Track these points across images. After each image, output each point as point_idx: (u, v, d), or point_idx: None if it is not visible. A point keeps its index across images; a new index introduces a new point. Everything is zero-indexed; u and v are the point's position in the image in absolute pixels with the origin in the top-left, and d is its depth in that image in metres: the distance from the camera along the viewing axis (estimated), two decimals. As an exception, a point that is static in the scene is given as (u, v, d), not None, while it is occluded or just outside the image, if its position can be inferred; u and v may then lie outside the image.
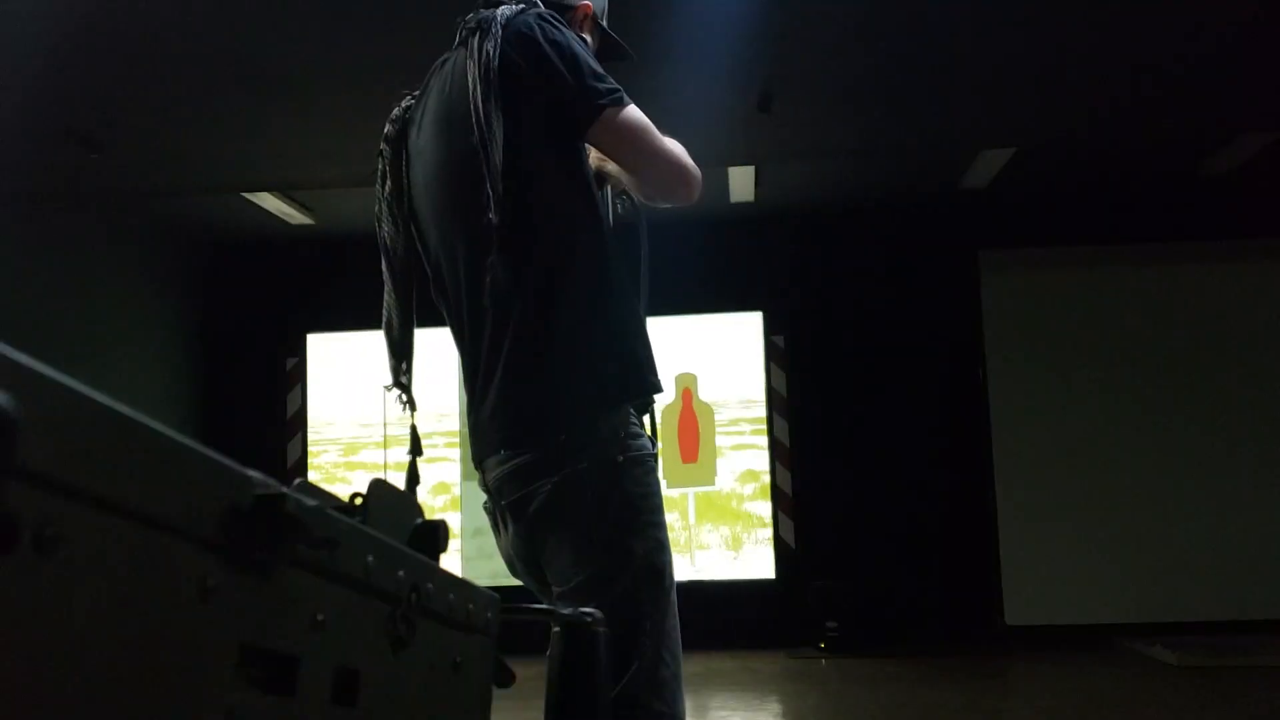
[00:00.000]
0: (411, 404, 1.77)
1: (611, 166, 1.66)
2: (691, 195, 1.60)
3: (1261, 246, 6.28)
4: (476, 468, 1.66)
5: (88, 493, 0.41)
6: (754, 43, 3.88)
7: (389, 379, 1.77)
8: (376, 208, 1.77)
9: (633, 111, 1.54)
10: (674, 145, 1.58)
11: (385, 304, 1.77)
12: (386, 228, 1.75)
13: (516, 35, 1.54)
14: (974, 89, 4.44)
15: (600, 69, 1.56)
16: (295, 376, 6.88)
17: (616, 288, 1.62)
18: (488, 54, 1.55)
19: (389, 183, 1.76)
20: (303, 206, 6.14)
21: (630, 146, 1.55)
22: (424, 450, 1.77)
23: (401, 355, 1.76)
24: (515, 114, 1.53)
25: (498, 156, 1.52)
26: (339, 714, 0.59)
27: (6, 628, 0.38)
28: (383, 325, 1.77)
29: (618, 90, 1.54)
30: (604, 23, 1.84)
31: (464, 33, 1.65)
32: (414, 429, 1.75)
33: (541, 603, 1.62)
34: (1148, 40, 3.98)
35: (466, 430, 1.71)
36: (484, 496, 1.68)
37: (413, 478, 1.73)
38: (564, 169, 1.58)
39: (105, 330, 5.95)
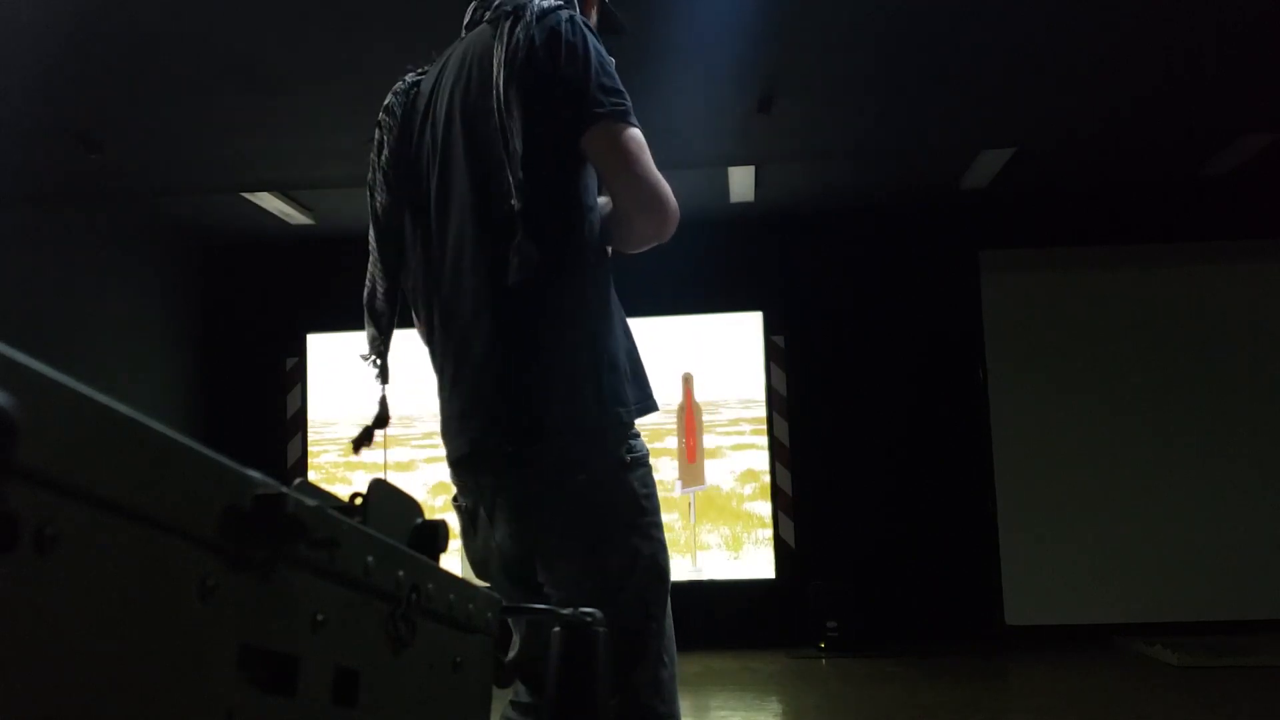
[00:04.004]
0: (383, 374, 1.73)
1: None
2: (666, 225, 1.55)
3: (1261, 247, 6.28)
4: (454, 465, 1.62)
5: (88, 493, 0.41)
6: (754, 43, 3.88)
7: (366, 350, 1.74)
8: (370, 176, 1.74)
9: (632, 130, 1.52)
10: (662, 179, 1.55)
11: (369, 274, 1.74)
12: (380, 198, 1.72)
13: (547, 31, 1.53)
14: (974, 89, 4.44)
15: (615, 80, 1.54)
16: (295, 376, 6.88)
17: (614, 299, 1.61)
18: (518, 41, 1.53)
19: (386, 152, 1.73)
20: (303, 206, 6.14)
21: (621, 158, 1.51)
22: (390, 422, 1.72)
23: (381, 327, 1.73)
24: (539, 111, 1.52)
25: (517, 143, 1.50)
26: (339, 714, 0.59)
27: (6, 628, 0.38)
28: (365, 295, 1.74)
29: (624, 104, 1.52)
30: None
31: (490, 14, 1.63)
32: (384, 399, 1.72)
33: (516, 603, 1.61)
34: (1148, 41, 3.98)
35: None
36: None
37: (364, 439, 1.68)
38: (579, 175, 1.56)
39: (105, 330, 5.95)
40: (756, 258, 6.66)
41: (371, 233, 1.74)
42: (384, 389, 1.72)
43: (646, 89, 4.20)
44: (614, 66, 1.58)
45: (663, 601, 1.54)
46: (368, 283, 1.74)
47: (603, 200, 1.63)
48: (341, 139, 4.63)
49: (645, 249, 1.63)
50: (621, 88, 1.54)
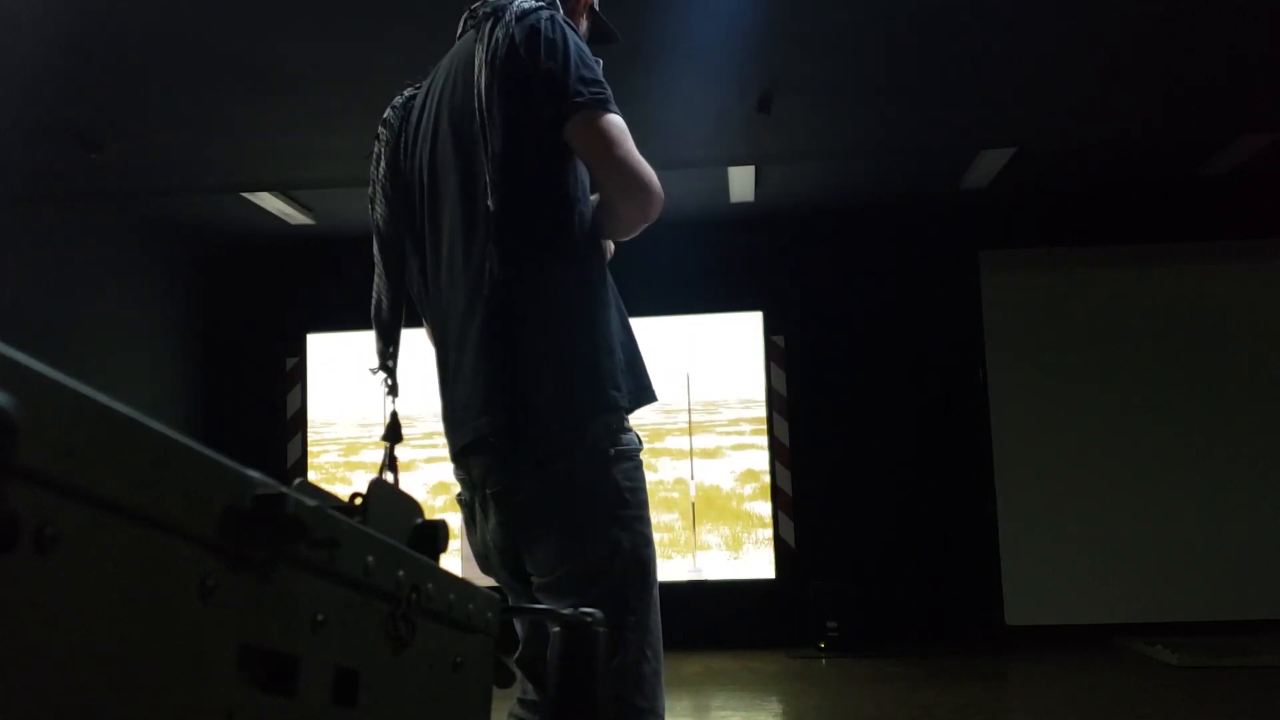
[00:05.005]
0: (394, 389, 1.75)
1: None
2: (650, 209, 1.57)
3: (1261, 247, 6.28)
4: (454, 458, 1.64)
5: (88, 493, 0.41)
6: (754, 43, 3.88)
7: (375, 361, 1.77)
8: (370, 189, 1.78)
9: (612, 117, 1.53)
10: (645, 163, 1.57)
11: (375, 287, 1.77)
12: (380, 210, 1.76)
13: (527, 29, 1.54)
14: (974, 89, 4.44)
15: (595, 72, 1.56)
16: (295, 376, 6.88)
17: (610, 289, 1.62)
18: (497, 41, 1.55)
19: (384, 164, 1.77)
20: (303, 206, 6.15)
21: (603, 145, 1.53)
22: (404, 438, 1.74)
23: (389, 339, 1.76)
24: (521, 111, 1.54)
25: (497, 142, 1.53)
26: (339, 714, 0.59)
27: (6, 628, 0.38)
28: (372, 308, 1.77)
29: (603, 93, 1.54)
30: (596, 6, 1.85)
31: (474, 19, 1.66)
32: (394, 415, 1.73)
33: (509, 597, 1.62)
34: (1148, 41, 3.98)
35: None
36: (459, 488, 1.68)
37: (389, 465, 1.70)
38: (565, 171, 1.58)
39: (105, 330, 5.95)
40: (756, 258, 6.66)
41: (375, 245, 1.77)
42: (394, 403, 1.73)
43: (647, 89, 4.20)
44: (597, 63, 1.59)
45: (644, 596, 1.54)
46: (374, 295, 1.77)
47: (594, 197, 1.65)
48: (341, 139, 4.63)
49: (635, 234, 1.64)
50: (601, 79, 1.56)
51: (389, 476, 1.68)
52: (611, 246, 1.72)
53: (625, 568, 1.52)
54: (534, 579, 1.56)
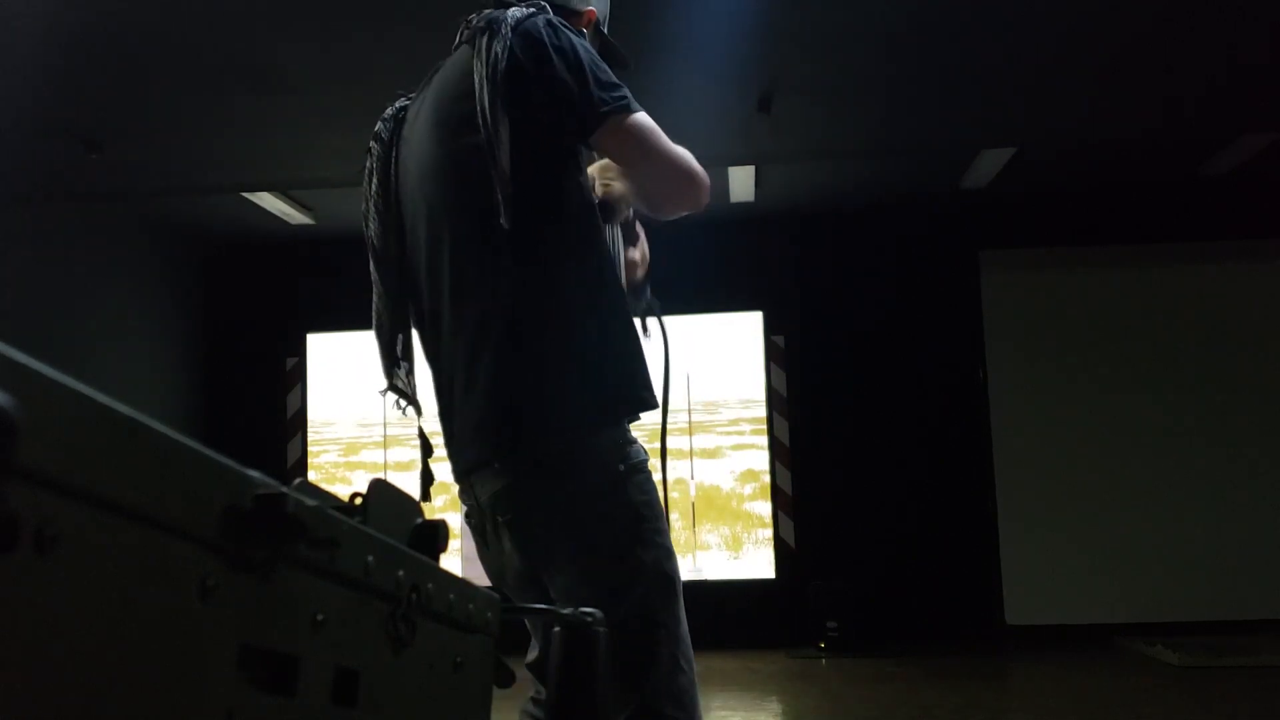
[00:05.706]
0: (416, 406, 1.72)
1: (618, 186, 1.64)
2: (699, 197, 1.58)
3: (1261, 247, 6.28)
4: (459, 480, 1.61)
5: (88, 493, 0.41)
6: (754, 42, 3.88)
7: (383, 382, 1.73)
8: (363, 206, 1.74)
9: (640, 116, 1.53)
10: (682, 149, 1.57)
11: (374, 305, 1.73)
12: (374, 226, 1.72)
13: (525, 38, 1.51)
14: (974, 89, 4.45)
15: (609, 75, 1.54)
16: (295, 376, 6.88)
17: (616, 299, 1.59)
18: (496, 54, 1.51)
19: (375, 180, 1.73)
20: (303, 206, 6.14)
21: (637, 149, 1.53)
22: (433, 449, 1.72)
23: (396, 357, 1.72)
24: (520, 117, 1.51)
25: (505, 159, 1.48)
26: (339, 714, 0.58)
27: (6, 628, 0.38)
28: (373, 327, 1.72)
29: (625, 96, 1.52)
30: (604, 29, 1.81)
31: (469, 32, 1.61)
32: (421, 430, 1.71)
33: None
34: (1148, 40, 3.98)
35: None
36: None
37: (426, 478, 1.70)
38: (565, 176, 1.55)
39: (105, 330, 5.95)
40: (756, 258, 6.66)
41: (371, 262, 1.73)
42: (420, 420, 1.72)
43: (647, 88, 4.19)
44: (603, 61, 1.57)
45: (672, 607, 1.51)
46: (374, 314, 1.73)
47: (620, 187, 1.64)
48: (341, 139, 4.62)
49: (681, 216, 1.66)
50: (617, 80, 1.55)
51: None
52: (645, 249, 1.71)
53: (649, 584, 1.50)
54: (557, 600, 1.53)
